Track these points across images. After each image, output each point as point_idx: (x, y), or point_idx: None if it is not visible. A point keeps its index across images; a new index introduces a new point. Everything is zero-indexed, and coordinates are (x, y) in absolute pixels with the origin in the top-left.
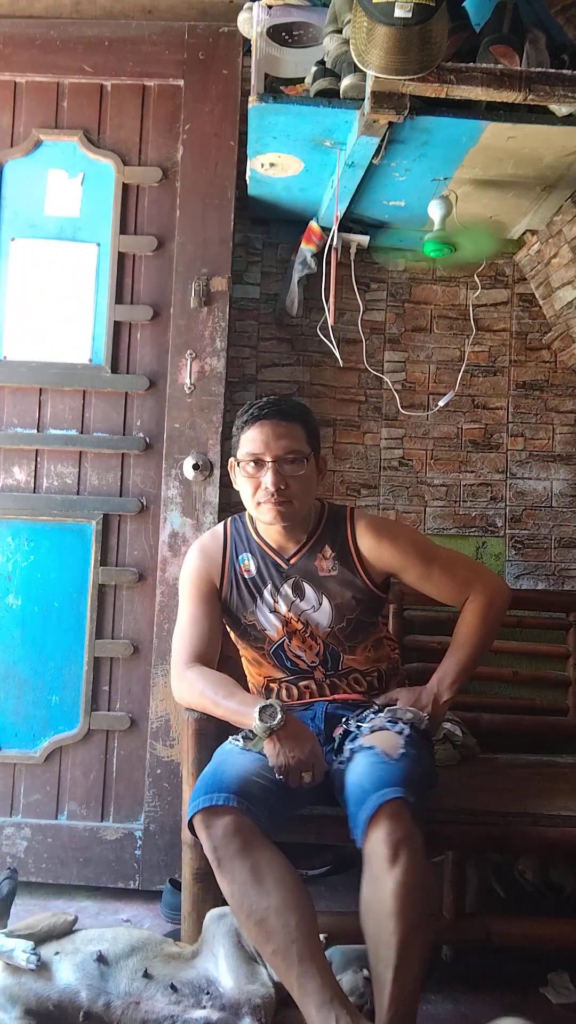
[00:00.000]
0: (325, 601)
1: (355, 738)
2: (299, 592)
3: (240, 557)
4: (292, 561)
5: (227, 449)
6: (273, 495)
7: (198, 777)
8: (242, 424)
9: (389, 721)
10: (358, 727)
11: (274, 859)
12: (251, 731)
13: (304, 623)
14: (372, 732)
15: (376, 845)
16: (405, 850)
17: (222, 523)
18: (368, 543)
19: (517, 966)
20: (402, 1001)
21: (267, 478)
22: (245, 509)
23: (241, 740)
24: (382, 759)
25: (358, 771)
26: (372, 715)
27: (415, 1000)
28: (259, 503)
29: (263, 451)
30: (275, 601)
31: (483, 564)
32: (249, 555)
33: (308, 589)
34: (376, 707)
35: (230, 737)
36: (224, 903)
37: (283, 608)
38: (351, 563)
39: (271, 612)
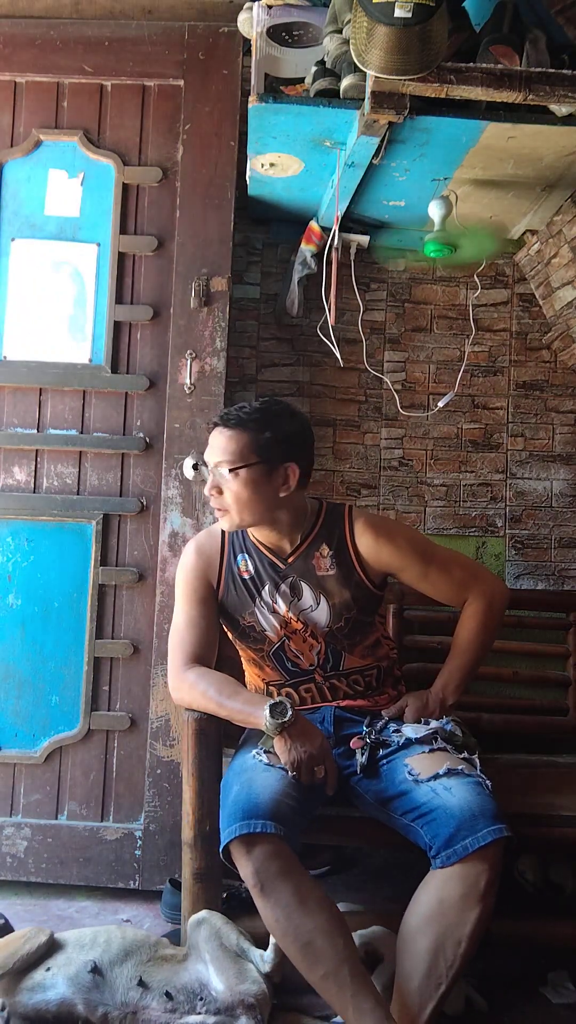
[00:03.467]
0: (323, 601)
1: (397, 751)
2: (296, 592)
3: (238, 558)
4: (290, 561)
5: None
6: (215, 501)
7: (220, 794)
8: None
9: (444, 740)
10: (403, 741)
11: (313, 883)
12: (267, 737)
13: (304, 623)
14: (433, 751)
15: (476, 874)
16: (494, 888)
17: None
18: (366, 542)
19: (517, 966)
20: (435, 1014)
21: (206, 485)
22: None
23: (265, 755)
24: (485, 790)
25: (463, 795)
26: (395, 726)
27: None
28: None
29: (209, 459)
30: (274, 601)
31: (482, 564)
32: (246, 555)
33: (305, 589)
34: (387, 719)
35: (252, 752)
36: (212, 907)
37: (282, 608)
38: (349, 562)
39: (270, 612)
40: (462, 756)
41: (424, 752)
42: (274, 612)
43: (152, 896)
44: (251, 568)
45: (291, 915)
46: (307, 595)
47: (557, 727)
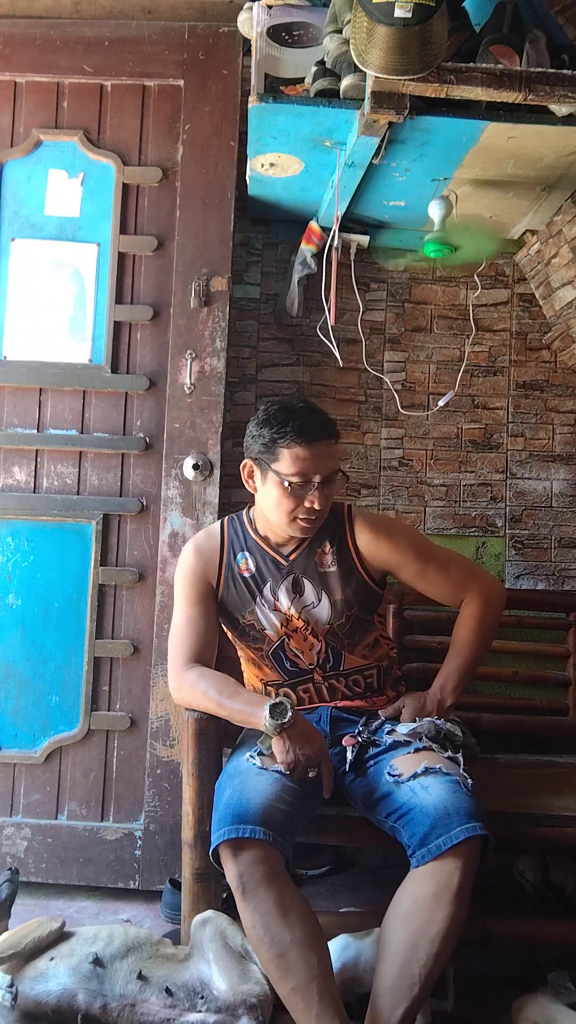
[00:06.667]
0: (324, 597)
1: (385, 752)
2: (298, 588)
3: (238, 557)
4: (292, 557)
5: (227, 449)
6: (314, 513)
7: (214, 795)
8: (286, 438)
9: (429, 738)
10: (391, 742)
11: (297, 895)
12: (265, 736)
13: (305, 620)
14: (417, 751)
15: (450, 872)
16: (468, 886)
17: (218, 522)
18: (366, 539)
19: (517, 966)
20: (408, 1019)
21: (313, 497)
22: (244, 508)
23: (258, 759)
24: (462, 788)
25: (439, 794)
26: (390, 726)
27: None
28: (295, 519)
29: (314, 472)
30: (275, 598)
31: (479, 564)
32: (247, 554)
33: (307, 585)
34: (383, 719)
35: (247, 754)
36: (212, 907)
37: (284, 604)
38: (350, 559)
39: (271, 610)
40: (446, 755)
41: (408, 752)
42: (275, 610)
43: (152, 896)
44: (252, 566)
45: (269, 923)
46: (309, 591)
47: (557, 727)
